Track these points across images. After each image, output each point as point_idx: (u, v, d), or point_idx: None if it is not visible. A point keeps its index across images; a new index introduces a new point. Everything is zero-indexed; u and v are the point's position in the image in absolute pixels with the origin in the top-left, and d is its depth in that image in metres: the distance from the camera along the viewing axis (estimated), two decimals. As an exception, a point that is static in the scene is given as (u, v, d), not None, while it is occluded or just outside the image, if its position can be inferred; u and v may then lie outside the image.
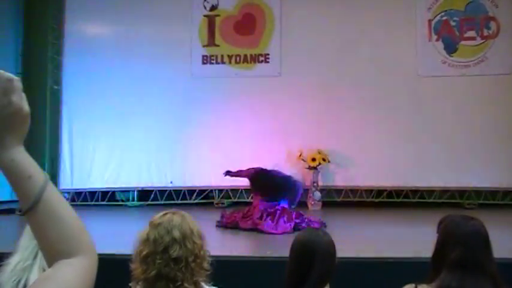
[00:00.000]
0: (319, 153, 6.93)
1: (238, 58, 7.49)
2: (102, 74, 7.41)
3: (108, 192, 7.35)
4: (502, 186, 6.79)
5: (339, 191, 7.19)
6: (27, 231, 1.77)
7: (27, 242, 1.80)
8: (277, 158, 6.88)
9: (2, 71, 0.78)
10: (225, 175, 5.95)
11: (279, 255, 3.50)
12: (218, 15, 7.55)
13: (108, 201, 7.31)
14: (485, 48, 7.02)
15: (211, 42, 7.54)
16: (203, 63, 7.51)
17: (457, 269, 1.73)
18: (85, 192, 7.33)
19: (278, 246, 4.22)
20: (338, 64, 7.20)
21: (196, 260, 1.74)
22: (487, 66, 6.97)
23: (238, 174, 5.80)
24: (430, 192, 6.97)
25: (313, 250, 1.89)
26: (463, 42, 7.09)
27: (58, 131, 7.50)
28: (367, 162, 6.99)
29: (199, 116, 7.25)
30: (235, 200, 7.03)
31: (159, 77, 7.37)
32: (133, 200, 7.36)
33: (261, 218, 5.06)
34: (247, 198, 6.63)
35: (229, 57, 7.49)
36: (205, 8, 7.56)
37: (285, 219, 5.03)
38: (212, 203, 7.13)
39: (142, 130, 7.26)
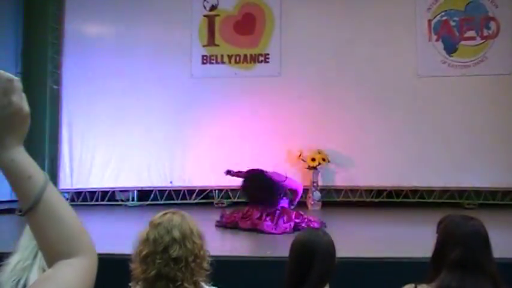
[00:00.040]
0: (319, 153, 6.93)
1: (238, 58, 7.48)
2: (102, 74, 7.39)
3: (107, 192, 7.34)
4: (502, 186, 6.77)
5: (338, 191, 7.19)
6: (27, 231, 1.77)
7: (27, 241, 1.81)
8: (277, 158, 6.87)
9: (2, 71, 0.78)
10: (226, 174, 5.95)
11: (279, 255, 3.49)
12: (218, 15, 7.54)
13: (107, 201, 7.29)
14: (485, 48, 7.02)
15: (211, 42, 7.54)
16: (203, 63, 7.50)
17: (457, 269, 1.73)
18: (85, 192, 7.32)
19: (278, 246, 4.22)
20: (338, 64, 7.19)
21: (196, 260, 1.74)
22: (487, 66, 6.96)
23: (238, 174, 5.79)
24: (430, 192, 6.96)
25: (313, 250, 1.89)
26: (463, 42, 7.09)
27: (58, 131, 7.48)
28: (367, 162, 6.98)
29: (199, 116, 7.24)
30: (235, 200, 7.01)
31: (159, 77, 7.36)
32: (133, 200, 7.35)
33: (260, 218, 5.06)
34: (247, 198, 6.64)
35: (229, 57, 7.48)
36: (205, 8, 7.56)
37: (285, 219, 5.03)
38: (212, 203, 7.13)
39: (142, 130, 7.25)
